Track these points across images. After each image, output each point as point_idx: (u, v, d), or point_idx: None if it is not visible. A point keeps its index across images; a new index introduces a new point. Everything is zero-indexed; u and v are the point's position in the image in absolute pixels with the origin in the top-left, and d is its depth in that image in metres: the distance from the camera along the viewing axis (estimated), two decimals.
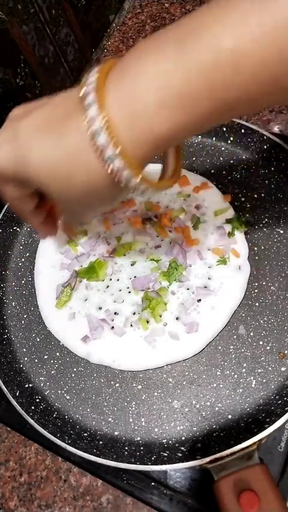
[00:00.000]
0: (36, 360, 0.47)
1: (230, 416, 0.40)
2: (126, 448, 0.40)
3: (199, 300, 0.45)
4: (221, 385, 0.42)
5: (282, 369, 0.41)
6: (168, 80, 0.22)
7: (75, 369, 0.46)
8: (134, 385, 0.44)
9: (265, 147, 0.52)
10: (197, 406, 0.41)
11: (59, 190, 0.26)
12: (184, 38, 0.22)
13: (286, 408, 0.37)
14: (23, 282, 0.53)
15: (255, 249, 0.48)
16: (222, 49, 0.20)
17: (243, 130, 0.53)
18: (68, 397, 0.44)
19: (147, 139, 0.23)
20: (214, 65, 0.21)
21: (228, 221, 0.49)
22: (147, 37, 0.24)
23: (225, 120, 0.25)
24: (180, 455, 0.38)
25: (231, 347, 0.43)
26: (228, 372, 0.42)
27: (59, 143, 0.24)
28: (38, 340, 0.48)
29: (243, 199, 0.51)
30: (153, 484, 0.43)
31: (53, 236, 0.43)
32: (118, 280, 0.48)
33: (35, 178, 0.26)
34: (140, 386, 0.43)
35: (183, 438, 0.40)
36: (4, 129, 0.28)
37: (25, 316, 0.50)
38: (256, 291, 0.46)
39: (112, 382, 0.44)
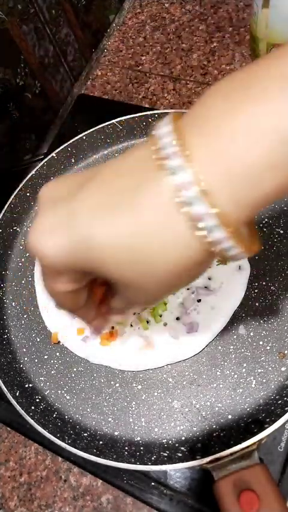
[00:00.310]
0: (36, 360, 0.47)
1: (230, 416, 0.40)
2: (126, 448, 0.40)
3: (199, 300, 0.45)
4: (221, 385, 0.42)
5: (282, 369, 0.41)
6: (278, 123, 0.17)
7: (75, 369, 0.46)
8: (134, 385, 0.44)
9: None
10: (197, 406, 0.41)
11: (135, 276, 0.21)
12: None
13: (286, 408, 0.37)
14: (23, 282, 0.53)
15: None
16: None
17: None
18: (68, 397, 0.44)
19: (251, 201, 0.18)
20: None
21: None
22: (228, 76, 0.19)
23: None
24: (180, 455, 0.38)
25: (231, 347, 0.43)
26: (228, 372, 0.42)
27: (133, 220, 0.19)
28: (38, 340, 0.48)
29: None
30: (153, 484, 0.43)
31: (106, 327, 0.32)
32: None
33: (102, 267, 0.21)
34: (140, 387, 0.43)
35: (183, 438, 0.40)
36: (48, 213, 0.22)
37: (25, 316, 0.50)
38: (256, 291, 0.46)
39: (112, 382, 0.44)
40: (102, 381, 0.44)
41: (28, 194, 0.57)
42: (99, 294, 0.31)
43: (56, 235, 0.21)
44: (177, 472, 0.43)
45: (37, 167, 0.57)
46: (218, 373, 0.42)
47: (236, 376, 0.42)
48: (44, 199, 0.23)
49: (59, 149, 0.57)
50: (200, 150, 0.18)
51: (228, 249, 0.19)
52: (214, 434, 0.39)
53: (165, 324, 0.45)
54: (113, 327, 0.46)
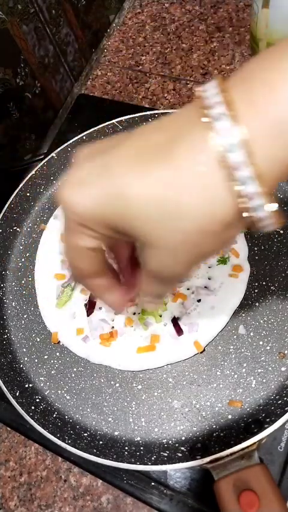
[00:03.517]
0: (36, 360, 0.47)
1: (230, 416, 0.40)
2: (126, 448, 0.40)
3: (199, 300, 0.45)
4: (221, 385, 0.42)
5: (282, 369, 0.41)
6: None
7: (75, 369, 0.46)
8: (134, 385, 0.44)
9: None
10: (197, 406, 0.41)
11: (164, 233, 0.21)
12: None
13: (286, 408, 0.37)
14: (23, 282, 0.53)
15: (255, 249, 0.48)
16: None
17: None
18: (68, 397, 0.44)
19: (286, 159, 0.19)
20: None
21: None
22: (276, 45, 0.19)
23: None
24: (180, 455, 0.38)
25: (231, 347, 0.43)
26: (228, 372, 0.42)
27: (170, 171, 0.19)
28: (38, 340, 0.48)
29: None
30: (153, 484, 0.43)
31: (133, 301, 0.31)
32: None
33: (132, 221, 0.21)
34: (140, 387, 0.43)
35: (183, 438, 0.40)
36: (83, 165, 0.22)
37: (25, 316, 0.50)
38: (256, 291, 0.46)
39: (112, 382, 0.44)
40: (102, 380, 0.44)
41: (28, 194, 0.57)
42: (123, 256, 0.29)
43: (89, 185, 0.21)
44: (177, 472, 0.43)
45: (37, 167, 0.57)
46: (218, 373, 0.42)
47: (236, 376, 0.42)
48: (81, 155, 0.24)
49: (59, 149, 0.57)
50: (245, 105, 0.18)
51: (259, 209, 0.19)
52: (214, 434, 0.39)
53: (165, 324, 0.45)
54: (113, 327, 0.46)
